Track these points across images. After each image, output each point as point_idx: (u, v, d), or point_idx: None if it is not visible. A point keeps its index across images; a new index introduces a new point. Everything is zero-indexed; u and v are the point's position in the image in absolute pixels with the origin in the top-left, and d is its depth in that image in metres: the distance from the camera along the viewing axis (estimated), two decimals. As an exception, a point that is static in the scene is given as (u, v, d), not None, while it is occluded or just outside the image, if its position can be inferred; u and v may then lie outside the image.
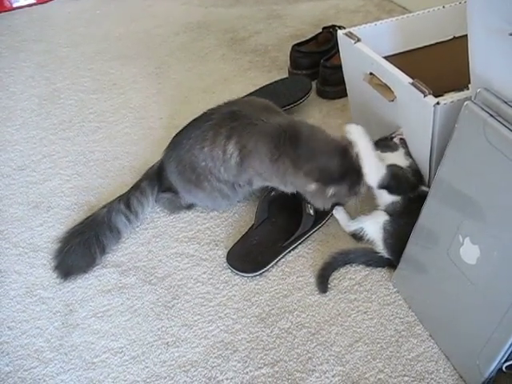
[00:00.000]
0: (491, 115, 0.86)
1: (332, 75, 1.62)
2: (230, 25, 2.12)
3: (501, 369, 0.89)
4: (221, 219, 1.30)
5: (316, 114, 1.61)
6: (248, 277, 1.17)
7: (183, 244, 1.25)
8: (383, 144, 1.18)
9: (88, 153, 1.55)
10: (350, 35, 1.23)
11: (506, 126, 0.84)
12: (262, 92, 1.60)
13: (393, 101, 1.14)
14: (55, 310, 1.14)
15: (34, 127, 1.66)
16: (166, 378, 1.01)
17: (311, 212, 1.21)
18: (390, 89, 1.14)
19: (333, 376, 0.98)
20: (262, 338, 1.06)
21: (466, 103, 0.91)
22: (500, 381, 0.92)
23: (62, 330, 1.10)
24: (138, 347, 1.06)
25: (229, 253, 1.21)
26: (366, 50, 1.18)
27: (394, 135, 1.19)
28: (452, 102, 1.01)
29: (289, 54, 1.75)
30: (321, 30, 1.79)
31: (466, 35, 1.37)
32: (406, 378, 0.96)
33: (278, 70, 1.82)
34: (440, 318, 1.01)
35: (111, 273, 1.20)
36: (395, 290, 1.11)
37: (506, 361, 0.88)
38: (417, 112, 1.08)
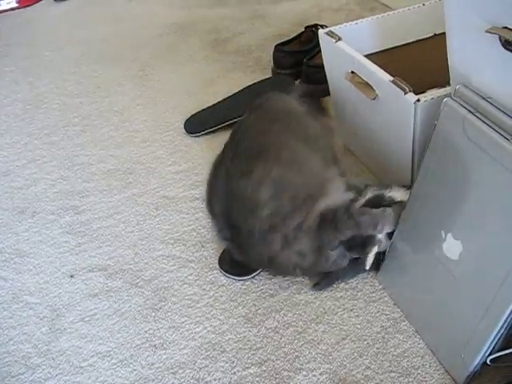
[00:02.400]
0: (470, 111, 0.87)
1: (315, 74, 1.62)
2: (213, 25, 2.12)
3: (485, 362, 0.90)
4: (207, 221, 1.30)
5: (300, 113, 1.61)
6: (242, 280, 1.17)
7: (169, 246, 1.26)
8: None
9: (73, 157, 1.54)
10: (331, 34, 1.23)
11: (484, 122, 0.85)
12: (245, 92, 1.61)
13: (374, 99, 1.15)
14: (42, 316, 1.14)
15: (18, 132, 1.66)
16: (154, 380, 1.01)
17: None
18: (371, 87, 1.14)
19: (320, 374, 0.99)
20: (249, 338, 1.06)
21: (444, 100, 0.91)
22: (485, 374, 0.93)
23: (50, 335, 1.10)
24: (125, 350, 1.06)
25: (220, 258, 1.21)
26: (346, 49, 1.19)
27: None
28: (432, 98, 1.02)
29: (272, 53, 1.75)
30: (303, 29, 1.79)
31: (447, 32, 1.39)
32: (392, 374, 0.97)
33: (262, 70, 1.82)
34: (425, 313, 1.01)
35: (97, 276, 1.20)
36: (381, 286, 1.11)
37: (490, 354, 0.89)
38: (398, 110, 1.09)
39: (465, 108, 0.88)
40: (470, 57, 0.89)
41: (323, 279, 1.12)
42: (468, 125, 0.87)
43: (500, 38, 0.79)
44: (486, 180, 0.85)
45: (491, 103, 0.86)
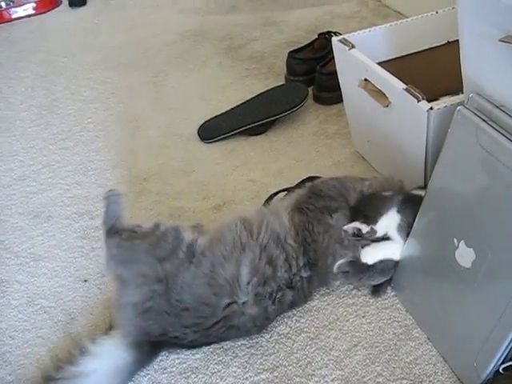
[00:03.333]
0: (484, 120, 0.88)
1: (328, 81, 1.63)
2: (226, 32, 2.13)
3: (498, 370, 0.90)
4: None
5: (313, 121, 1.62)
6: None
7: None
8: None
9: (87, 162, 1.56)
10: (344, 42, 1.24)
11: (498, 131, 0.85)
12: (259, 99, 1.62)
13: (387, 106, 1.15)
14: (57, 319, 1.15)
15: (33, 137, 1.67)
16: (166, 384, 1.02)
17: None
18: (384, 95, 1.15)
19: (332, 380, 0.99)
20: (262, 344, 1.06)
21: (458, 108, 0.92)
22: (496, 382, 0.92)
23: (65, 339, 1.11)
24: (138, 354, 1.07)
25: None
26: (360, 57, 1.20)
27: None
28: (445, 106, 1.02)
29: (285, 60, 1.77)
30: (316, 37, 1.80)
31: (459, 40, 1.40)
32: (404, 381, 0.97)
33: (275, 77, 1.83)
34: (437, 320, 1.01)
35: (111, 281, 1.21)
36: (393, 293, 1.12)
37: (502, 362, 0.89)
38: (411, 117, 1.09)
39: (478, 116, 0.88)
40: (483, 65, 0.89)
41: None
42: (481, 133, 0.87)
43: (515, 46, 0.79)
44: (499, 188, 0.85)
45: (505, 111, 0.86)
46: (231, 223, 1.08)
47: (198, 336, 1.01)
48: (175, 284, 1.01)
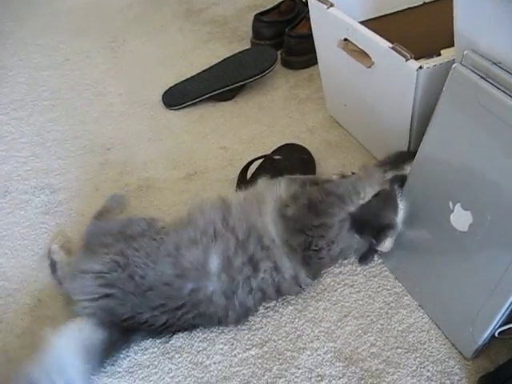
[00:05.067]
0: (482, 77, 0.84)
1: (297, 45, 1.57)
2: (185, -5, 2.03)
3: (493, 334, 0.88)
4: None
5: (283, 86, 1.56)
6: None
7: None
8: None
9: (44, 133, 1.45)
10: (322, 0, 1.18)
11: (498, 88, 0.81)
12: (226, 64, 1.54)
13: (370, 67, 1.10)
14: (22, 302, 1.07)
15: (-19, 107, 1.55)
16: (149, 366, 0.96)
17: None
18: (367, 55, 1.10)
19: (324, 353, 0.95)
20: (248, 319, 1.01)
21: (454, 66, 0.87)
22: (492, 346, 0.92)
23: (33, 324, 1.03)
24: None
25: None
26: (340, 15, 1.14)
27: None
28: (435, 65, 0.98)
29: (250, 24, 1.69)
30: (282, -1, 1.73)
31: (436, 1, 1.36)
32: (399, 350, 0.94)
33: (240, 41, 1.75)
34: (430, 287, 0.99)
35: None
36: (380, 261, 1.08)
37: (499, 326, 0.87)
38: (397, 77, 1.04)
39: (476, 74, 0.84)
40: (479, 20, 0.85)
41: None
42: (480, 91, 0.83)
43: (516, -1, 0.75)
44: (500, 146, 0.82)
45: (503, 68, 0.82)
46: (205, 206, 1.03)
47: (168, 318, 0.95)
48: (139, 259, 0.96)
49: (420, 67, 0.98)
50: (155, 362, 0.96)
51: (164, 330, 0.96)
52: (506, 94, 0.80)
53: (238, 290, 0.96)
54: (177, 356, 0.97)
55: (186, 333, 0.99)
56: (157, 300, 0.94)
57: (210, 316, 0.96)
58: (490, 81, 0.83)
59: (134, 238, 1.00)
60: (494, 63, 0.83)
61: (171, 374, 0.95)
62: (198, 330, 0.99)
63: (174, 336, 0.99)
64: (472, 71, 0.85)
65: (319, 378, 0.92)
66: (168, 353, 0.97)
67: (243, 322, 1.00)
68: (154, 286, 0.95)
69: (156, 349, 0.98)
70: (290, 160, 1.27)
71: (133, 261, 0.96)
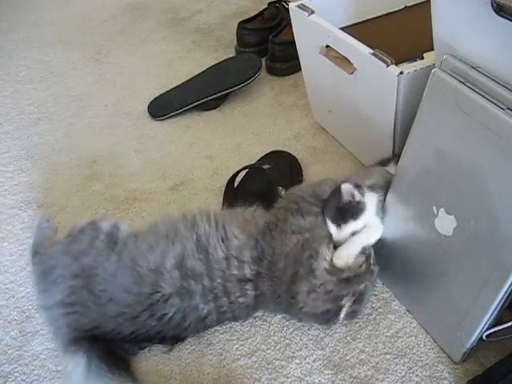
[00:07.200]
0: (461, 82, 0.84)
1: (281, 51, 1.58)
2: (169, 4, 2.04)
3: (481, 338, 0.88)
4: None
5: (268, 93, 1.56)
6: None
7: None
8: None
9: (31, 147, 1.45)
10: (303, 7, 1.18)
11: (477, 92, 0.82)
12: (210, 72, 1.54)
13: (352, 73, 1.11)
14: (10, 318, 1.06)
15: (-34, 122, 1.54)
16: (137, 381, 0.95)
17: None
18: (348, 61, 1.10)
19: (313, 361, 0.95)
20: (236, 329, 1.01)
21: (433, 71, 0.87)
22: (480, 349, 0.92)
23: (20, 339, 1.02)
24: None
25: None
26: (321, 22, 1.14)
27: None
28: (415, 70, 0.98)
29: (235, 31, 1.69)
30: (266, 6, 1.73)
31: (418, 4, 1.37)
32: (387, 356, 0.94)
33: (224, 49, 1.76)
34: (416, 292, 0.99)
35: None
36: (367, 267, 1.08)
37: (486, 329, 0.87)
38: (379, 83, 1.05)
39: (455, 78, 0.85)
40: (458, 24, 0.85)
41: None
42: (460, 96, 0.83)
43: (492, 3, 0.75)
44: (481, 150, 0.82)
45: (482, 72, 0.83)
46: (170, 216, 1.03)
47: (131, 325, 0.94)
48: (96, 275, 0.96)
49: (401, 72, 0.98)
50: (145, 378, 0.95)
51: (134, 338, 0.95)
52: (485, 98, 0.80)
53: (194, 294, 0.94)
54: (166, 369, 0.96)
55: (174, 345, 0.99)
56: (116, 308, 0.94)
57: (170, 320, 0.94)
58: (470, 85, 0.83)
59: (83, 253, 0.98)
60: (473, 67, 0.84)
61: (160, 388, 0.94)
62: (186, 342, 0.99)
63: (162, 348, 0.98)
64: (451, 76, 0.85)
65: (309, 387, 0.92)
66: (157, 365, 0.97)
67: (198, 331, 0.99)
68: (114, 296, 0.95)
69: (145, 362, 0.97)
70: (277, 168, 1.27)
71: (91, 279, 0.96)
